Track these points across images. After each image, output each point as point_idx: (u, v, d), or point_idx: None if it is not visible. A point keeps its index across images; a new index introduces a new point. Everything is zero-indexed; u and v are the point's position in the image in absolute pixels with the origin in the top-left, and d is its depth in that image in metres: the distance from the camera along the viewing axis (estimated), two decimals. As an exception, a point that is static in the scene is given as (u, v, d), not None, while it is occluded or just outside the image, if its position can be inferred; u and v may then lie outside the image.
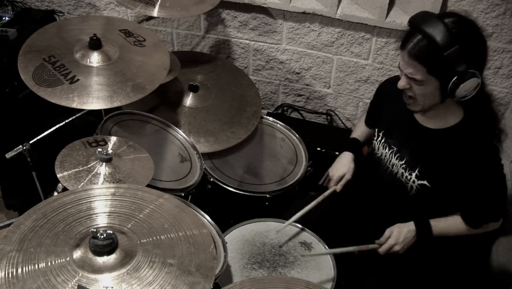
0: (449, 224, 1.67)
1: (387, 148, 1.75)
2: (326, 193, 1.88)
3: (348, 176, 1.89)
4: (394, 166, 1.72)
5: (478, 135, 1.56)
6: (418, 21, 1.46)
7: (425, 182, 1.63)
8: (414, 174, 1.65)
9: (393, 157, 1.73)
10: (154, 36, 2.05)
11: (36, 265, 1.12)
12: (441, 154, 1.59)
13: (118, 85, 1.75)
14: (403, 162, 1.69)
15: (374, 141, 1.83)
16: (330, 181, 1.94)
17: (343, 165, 1.92)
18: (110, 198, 1.32)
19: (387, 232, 1.70)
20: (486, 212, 1.64)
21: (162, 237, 1.24)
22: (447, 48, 1.40)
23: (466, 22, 1.47)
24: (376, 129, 1.82)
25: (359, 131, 2.04)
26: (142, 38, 1.97)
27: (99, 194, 1.34)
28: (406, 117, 1.68)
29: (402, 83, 1.55)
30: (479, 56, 1.49)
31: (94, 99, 1.69)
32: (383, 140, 1.78)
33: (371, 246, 1.72)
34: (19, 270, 1.11)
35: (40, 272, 1.11)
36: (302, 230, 1.83)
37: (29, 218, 1.24)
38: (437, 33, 1.40)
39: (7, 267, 1.11)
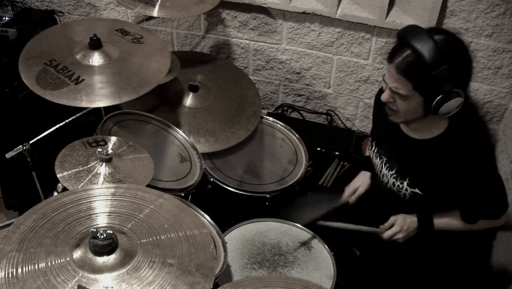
0: (450, 219, 1.68)
1: (379, 158, 1.77)
2: (338, 204, 1.87)
3: (361, 189, 1.88)
4: (384, 176, 1.74)
5: (464, 140, 1.55)
6: (408, 36, 1.45)
7: (416, 190, 1.64)
8: (405, 183, 1.66)
9: (383, 166, 1.74)
10: (150, 33, 2.05)
11: (36, 265, 1.12)
12: (428, 163, 1.60)
13: (124, 81, 1.76)
14: (393, 171, 1.70)
15: (369, 151, 1.84)
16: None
17: (359, 180, 1.92)
18: (110, 198, 1.32)
19: (392, 219, 1.71)
20: (483, 210, 1.64)
21: (162, 237, 1.24)
22: (435, 67, 1.40)
23: (455, 41, 1.47)
24: (370, 139, 1.84)
25: None
26: (139, 36, 1.98)
27: (99, 194, 1.34)
28: (392, 128, 1.69)
29: (385, 97, 1.55)
30: (465, 76, 1.49)
31: (102, 96, 1.70)
32: (375, 150, 1.79)
33: (375, 230, 1.73)
34: (19, 270, 1.11)
35: (40, 272, 1.11)
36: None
37: (29, 218, 1.24)
38: (427, 50, 1.40)
39: (7, 267, 1.11)
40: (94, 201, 1.31)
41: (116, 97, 1.71)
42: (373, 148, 1.81)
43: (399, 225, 1.69)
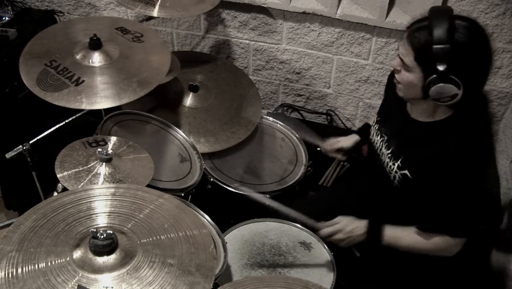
0: (402, 232, 1.62)
1: (379, 136, 1.75)
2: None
3: (343, 144, 1.97)
4: (383, 155, 1.72)
5: (464, 134, 1.52)
6: (434, 11, 1.47)
7: (406, 172, 1.61)
8: (396, 164, 1.63)
9: (382, 145, 1.73)
10: (150, 30, 2.05)
11: (36, 265, 1.12)
12: (424, 146, 1.57)
13: (124, 82, 1.75)
14: (389, 151, 1.68)
15: (372, 127, 1.83)
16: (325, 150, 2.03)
17: (345, 138, 1.99)
18: (110, 198, 1.32)
19: (337, 218, 1.68)
20: (445, 221, 1.56)
21: (162, 237, 1.24)
22: (437, 43, 1.40)
23: (476, 34, 1.44)
24: (376, 115, 1.83)
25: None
26: (140, 34, 1.98)
27: (99, 194, 1.34)
28: (398, 108, 1.68)
29: (394, 63, 1.56)
30: (470, 70, 1.44)
31: (102, 98, 1.70)
32: (377, 128, 1.78)
33: (314, 224, 1.70)
34: (19, 270, 1.11)
35: (40, 272, 1.11)
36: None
37: (29, 218, 1.24)
38: (438, 26, 1.41)
39: (7, 267, 1.11)
40: (94, 201, 1.31)
41: (117, 99, 1.71)
42: (375, 125, 1.80)
43: (341, 225, 1.65)
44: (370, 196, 1.82)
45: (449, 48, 1.39)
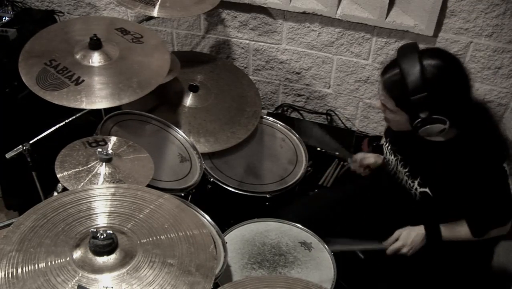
0: (458, 229, 1.67)
1: (393, 155, 1.78)
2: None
3: (371, 160, 1.92)
4: (400, 173, 1.75)
5: (473, 146, 1.55)
6: (401, 54, 1.48)
7: (426, 190, 1.64)
8: (416, 182, 1.66)
9: (398, 164, 1.75)
10: (150, 31, 2.05)
11: (36, 265, 1.12)
12: (440, 164, 1.60)
13: (124, 82, 1.75)
14: (406, 169, 1.70)
15: (384, 146, 1.84)
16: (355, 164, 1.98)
17: (372, 155, 1.95)
18: (110, 198, 1.32)
19: (396, 233, 1.72)
20: (490, 220, 1.63)
21: (162, 237, 1.24)
22: (414, 93, 1.42)
23: (448, 69, 1.46)
24: (385, 135, 1.86)
25: None
26: (139, 35, 1.98)
27: (99, 194, 1.34)
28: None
29: (377, 105, 1.62)
30: (451, 105, 1.47)
31: (102, 98, 1.69)
32: (389, 147, 1.80)
33: (377, 247, 1.74)
34: (19, 270, 1.11)
35: (40, 272, 1.11)
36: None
37: (29, 218, 1.24)
38: (411, 74, 1.42)
39: (7, 267, 1.11)
40: (94, 201, 1.31)
41: (116, 99, 1.71)
42: (387, 145, 1.81)
43: (403, 240, 1.69)
44: (390, 208, 1.84)
45: (426, 96, 1.42)
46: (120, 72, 1.79)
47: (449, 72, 1.46)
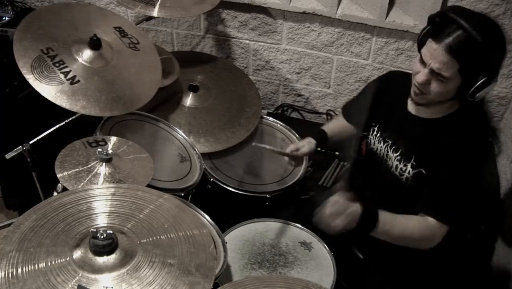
0: (396, 219, 1.57)
1: (382, 142, 1.75)
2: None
3: (305, 149, 1.99)
4: (390, 159, 1.71)
5: (469, 126, 1.55)
6: (457, 15, 1.42)
7: (421, 170, 1.61)
8: (409, 164, 1.63)
9: (388, 150, 1.72)
10: (146, 38, 2.06)
11: (36, 265, 1.12)
12: (434, 142, 1.58)
13: (117, 92, 1.79)
14: (397, 153, 1.68)
15: (370, 136, 1.81)
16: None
17: (303, 141, 2.03)
18: (110, 198, 1.32)
19: (335, 196, 1.57)
20: (435, 203, 1.56)
21: (162, 237, 1.24)
22: (489, 50, 1.40)
23: (497, 26, 1.46)
24: (372, 124, 1.81)
25: (333, 125, 2.10)
26: (136, 41, 1.98)
27: (99, 194, 1.34)
28: (399, 109, 1.68)
29: (423, 78, 1.49)
30: (501, 61, 1.48)
31: (94, 105, 1.72)
32: (378, 135, 1.77)
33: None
34: (19, 270, 1.11)
35: (40, 272, 1.11)
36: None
37: (29, 218, 1.24)
38: (480, 32, 1.38)
39: (7, 267, 1.11)
40: (94, 201, 1.31)
41: (107, 109, 1.73)
42: (375, 133, 1.78)
43: (329, 203, 1.54)
44: (379, 201, 1.81)
45: (499, 50, 1.42)
46: (114, 80, 1.80)
47: (499, 29, 1.46)
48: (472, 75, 1.44)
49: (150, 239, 1.23)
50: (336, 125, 2.08)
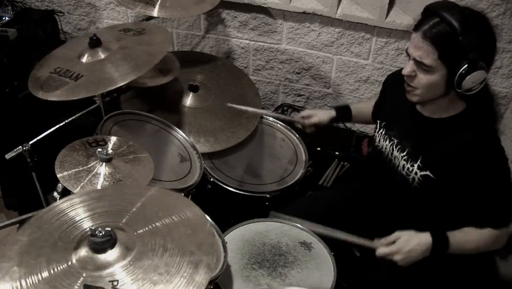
0: (465, 237, 1.56)
1: (388, 140, 1.73)
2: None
3: (316, 119, 2.01)
4: (396, 158, 1.70)
5: (479, 125, 1.53)
6: (436, 6, 1.45)
7: (427, 172, 1.59)
8: (416, 165, 1.62)
9: (394, 149, 1.71)
10: (152, 24, 2.06)
11: (39, 275, 1.12)
12: (442, 143, 1.56)
13: (129, 58, 1.75)
14: (404, 153, 1.66)
15: (376, 133, 1.81)
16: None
17: (319, 112, 2.03)
18: (100, 200, 1.32)
19: (395, 235, 1.57)
20: (490, 211, 1.55)
21: (157, 224, 1.24)
22: (463, 33, 1.39)
23: (481, 15, 1.46)
24: (378, 121, 1.80)
25: (361, 106, 2.07)
26: (141, 29, 1.98)
27: (88, 200, 1.33)
28: (407, 108, 1.66)
29: (408, 69, 1.50)
30: (491, 50, 1.47)
31: (105, 80, 1.69)
32: (383, 133, 1.76)
33: (368, 243, 1.60)
34: (23, 284, 1.10)
35: (45, 281, 1.10)
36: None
37: (24, 233, 1.23)
38: (455, 18, 1.39)
39: (11, 283, 1.10)
40: (86, 205, 1.30)
41: (131, 73, 1.70)
42: (380, 130, 1.77)
43: (399, 245, 1.54)
44: (386, 201, 1.80)
45: (475, 35, 1.40)
46: (124, 56, 1.79)
47: (484, 18, 1.46)
48: (453, 63, 1.43)
49: (147, 228, 1.23)
50: (364, 107, 2.03)
